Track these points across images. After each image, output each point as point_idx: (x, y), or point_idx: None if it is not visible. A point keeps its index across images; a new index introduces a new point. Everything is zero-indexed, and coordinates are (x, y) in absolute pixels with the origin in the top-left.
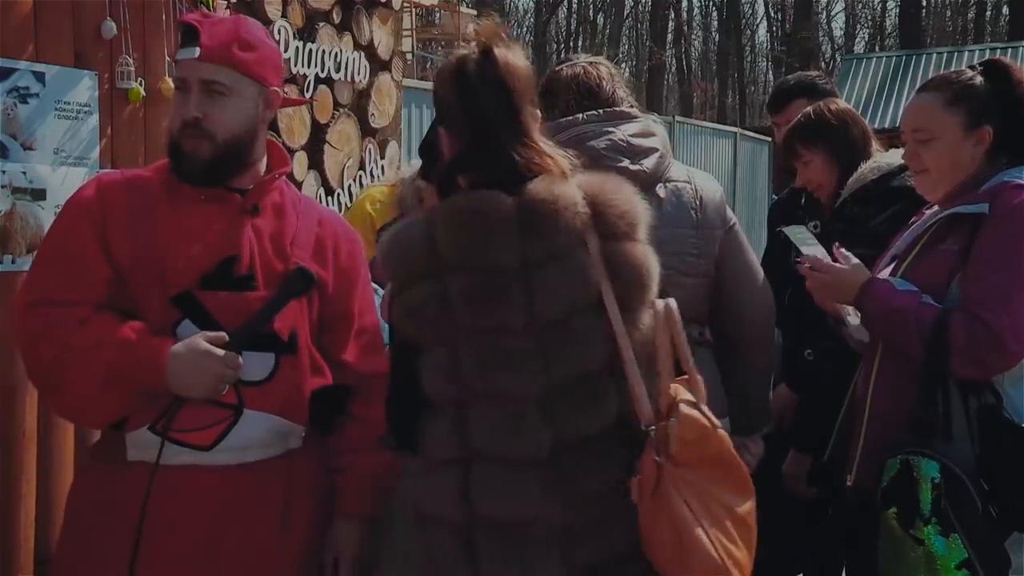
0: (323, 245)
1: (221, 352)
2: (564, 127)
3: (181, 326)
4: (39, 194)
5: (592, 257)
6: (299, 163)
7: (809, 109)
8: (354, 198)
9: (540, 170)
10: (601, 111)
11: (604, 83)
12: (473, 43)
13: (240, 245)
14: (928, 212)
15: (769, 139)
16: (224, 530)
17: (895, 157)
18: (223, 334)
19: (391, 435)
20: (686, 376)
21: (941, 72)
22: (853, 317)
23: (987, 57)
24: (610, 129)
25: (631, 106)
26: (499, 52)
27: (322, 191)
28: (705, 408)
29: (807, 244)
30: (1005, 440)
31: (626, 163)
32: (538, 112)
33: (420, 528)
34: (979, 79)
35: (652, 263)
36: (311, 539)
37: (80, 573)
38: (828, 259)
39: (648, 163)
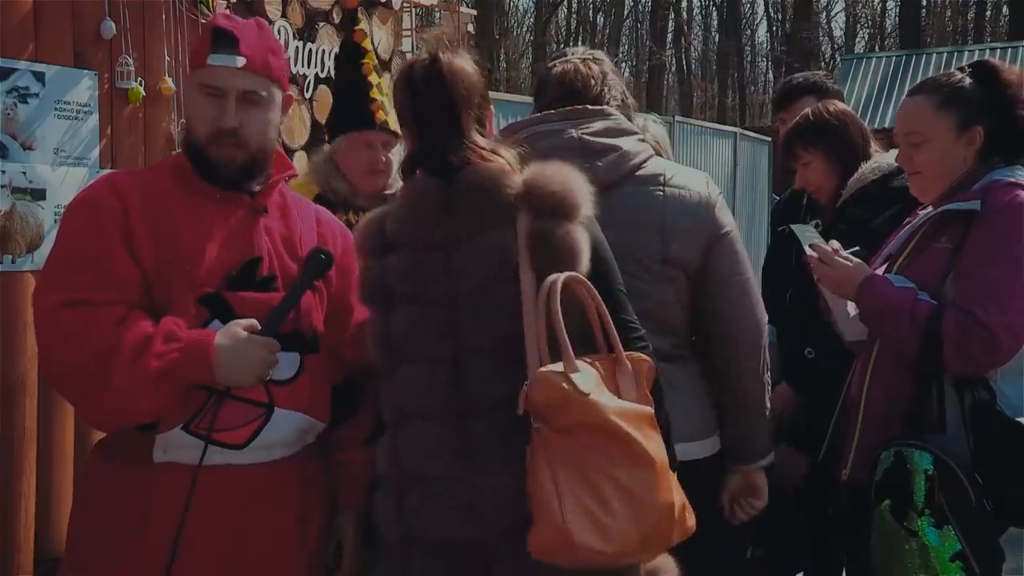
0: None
1: (261, 338)
2: (521, 127)
3: (211, 326)
4: (39, 194)
5: (518, 233)
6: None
7: (808, 110)
8: None
9: (478, 163)
10: (564, 109)
11: (593, 82)
12: (424, 51)
13: (259, 246)
14: (921, 212)
15: (769, 139)
16: (252, 528)
17: (895, 157)
18: (254, 321)
19: None
20: (614, 354)
21: (932, 75)
22: (851, 309)
23: (986, 57)
24: (565, 127)
25: (621, 104)
26: (444, 58)
27: None
28: (577, 378)
29: (815, 241)
30: (998, 435)
31: (577, 161)
32: (481, 112)
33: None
34: (969, 81)
35: (579, 243)
36: (322, 536)
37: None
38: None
39: (603, 162)
